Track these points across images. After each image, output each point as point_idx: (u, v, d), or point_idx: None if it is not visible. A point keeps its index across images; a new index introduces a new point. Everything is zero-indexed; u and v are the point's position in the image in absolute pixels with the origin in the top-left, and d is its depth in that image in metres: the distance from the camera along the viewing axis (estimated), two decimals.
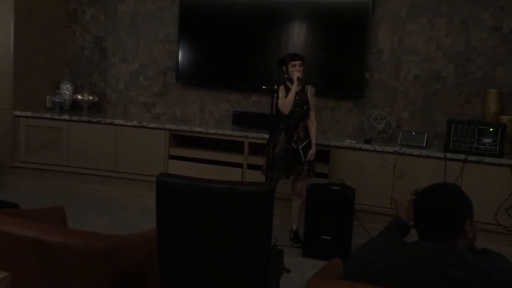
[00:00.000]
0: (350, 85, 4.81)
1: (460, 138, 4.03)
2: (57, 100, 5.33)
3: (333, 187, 3.87)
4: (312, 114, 4.01)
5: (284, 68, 3.95)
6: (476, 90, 4.47)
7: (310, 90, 4.02)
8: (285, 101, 3.86)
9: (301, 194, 4.00)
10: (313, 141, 3.96)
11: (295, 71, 3.86)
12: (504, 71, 4.40)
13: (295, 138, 3.91)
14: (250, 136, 4.54)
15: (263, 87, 4.70)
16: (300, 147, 3.90)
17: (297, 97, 3.88)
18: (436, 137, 4.54)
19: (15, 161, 5.09)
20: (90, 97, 5.41)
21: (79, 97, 5.38)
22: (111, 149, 4.93)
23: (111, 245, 1.87)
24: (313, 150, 3.94)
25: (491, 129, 3.96)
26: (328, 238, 3.73)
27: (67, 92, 5.38)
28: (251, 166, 4.54)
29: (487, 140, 3.96)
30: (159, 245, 1.94)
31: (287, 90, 3.92)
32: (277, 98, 3.56)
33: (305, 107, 3.95)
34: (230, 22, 5.03)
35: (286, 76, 3.96)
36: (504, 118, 4.16)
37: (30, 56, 5.13)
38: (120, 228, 4.10)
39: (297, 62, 3.88)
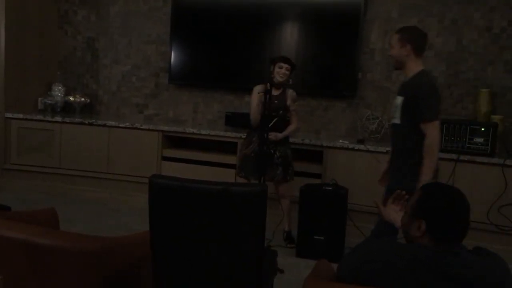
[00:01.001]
0: (342, 85, 4.82)
1: (452, 138, 4.05)
2: (49, 101, 5.30)
3: (326, 187, 3.88)
4: (294, 119, 3.96)
5: (271, 67, 3.86)
6: (467, 89, 4.50)
7: (290, 95, 3.95)
8: (251, 112, 3.84)
9: (285, 195, 3.99)
10: (285, 132, 3.90)
11: (280, 73, 3.79)
12: (495, 71, 4.43)
13: (269, 141, 3.73)
14: (243, 137, 4.52)
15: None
16: (273, 150, 3.85)
17: (276, 101, 3.78)
18: None
19: (6, 163, 5.06)
20: (82, 99, 5.39)
21: (71, 98, 5.36)
22: (104, 151, 4.91)
23: (104, 247, 1.86)
24: (279, 135, 3.84)
25: (483, 129, 3.98)
26: (322, 238, 3.74)
27: (59, 94, 5.36)
28: None
29: (479, 140, 3.99)
30: (152, 246, 1.93)
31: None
32: (269, 98, 3.47)
33: (281, 112, 3.86)
34: (223, 23, 5.03)
35: (271, 76, 3.84)
36: (496, 118, 4.19)
37: (22, 57, 5.10)
38: (112, 229, 4.08)
39: (285, 65, 3.79)
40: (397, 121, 2.85)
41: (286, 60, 3.84)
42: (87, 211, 4.58)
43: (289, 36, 4.89)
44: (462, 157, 3.97)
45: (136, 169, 4.80)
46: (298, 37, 4.87)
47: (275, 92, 3.79)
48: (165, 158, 4.81)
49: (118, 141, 4.88)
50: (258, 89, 3.84)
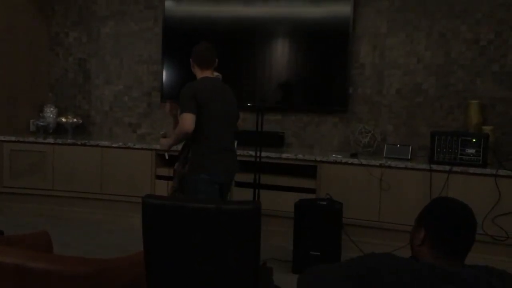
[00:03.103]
0: (334, 100, 4.85)
1: (444, 150, 4.08)
2: (41, 123, 5.29)
3: (321, 202, 3.88)
4: None
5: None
6: (457, 101, 4.54)
7: None
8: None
9: None
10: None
11: None
12: (484, 83, 4.48)
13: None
14: (236, 153, 4.53)
15: (248, 104, 4.75)
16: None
17: None
18: (420, 149, 4.59)
19: None
20: (75, 120, 5.38)
21: (63, 119, 5.35)
22: (97, 171, 4.89)
23: (98, 269, 1.85)
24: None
25: (474, 140, 4.01)
26: (318, 253, 3.72)
27: (51, 115, 5.35)
28: (238, 184, 4.53)
29: (471, 151, 4.01)
30: (146, 267, 1.92)
31: None
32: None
33: None
34: (213, 41, 5.04)
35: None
36: (487, 129, 4.23)
37: (13, 79, 5.10)
38: (107, 251, 4.05)
39: None
40: None
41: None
42: (81, 233, 4.54)
43: (280, 53, 4.93)
44: (454, 169, 3.99)
45: (130, 189, 4.77)
46: (288, 54, 4.91)
47: None
48: (159, 177, 4.80)
49: (111, 161, 4.87)
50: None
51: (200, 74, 3.32)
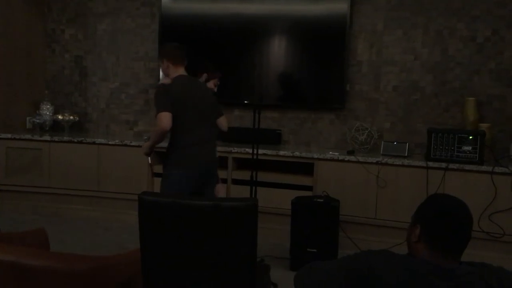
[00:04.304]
0: (331, 97, 4.85)
1: (441, 147, 4.09)
2: (37, 120, 5.27)
3: (318, 199, 3.88)
4: None
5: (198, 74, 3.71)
6: (454, 99, 4.55)
7: None
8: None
9: None
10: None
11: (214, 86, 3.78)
12: (481, 80, 4.49)
13: None
14: (233, 151, 4.54)
15: (246, 101, 4.75)
16: None
17: None
18: (417, 146, 4.60)
19: None
20: (71, 117, 5.36)
21: (60, 117, 5.33)
22: (94, 169, 4.88)
23: (95, 266, 1.85)
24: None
25: (471, 137, 4.02)
26: (315, 250, 3.73)
27: (48, 113, 5.33)
28: (235, 181, 4.53)
29: (467, 148, 4.02)
30: (143, 264, 1.92)
31: None
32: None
33: None
34: (210, 38, 5.06)
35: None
36: (483, 126, 4.24)
37: (9, 77, 5.08)
38: (103, 248, 4.05)
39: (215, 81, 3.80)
40: None
41: (215, 73, 3.85)
42: (78, 230, 4.53)
43: (277, 50, 4.92)
44: (451, 166, 4.00)
45: (127, 186, 4.77)
46: (285, 51, 4.91)
47: None
48: (157, 175, 4.78)
49: (108, 159, 4.86)
50: None
51: (174, 72, 3.28)
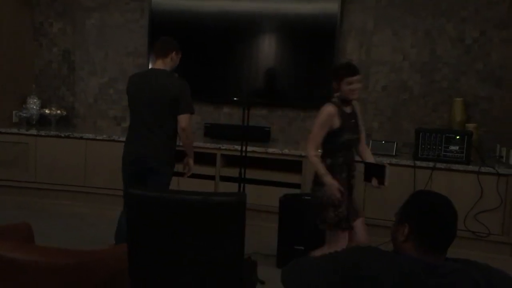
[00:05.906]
0: (320, 96, 4.84)
1: (428, 146, 4.11)
2: (24, 114, 5.21)
3: (306, 197, 3.88)
4: (363, 136, 3.24)
5: (335, 84, 3.04)
6: (442, 99, 4.59)
7: (358, 107, 3.20)
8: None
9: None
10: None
11: (354, 90, 2.99)
12: (468, 81, 4.52)
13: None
14: (222, 148, 4.53)
15: (234, 98, 4.74)
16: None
17: (353, 120, 3.11)
18: (405, 146, 4.62)
19: None
20: (58, 111, 5.31)
21: (47, 111, 5.27)
22: (81, 164, 4.83)
23: (81, 261, 1.83)
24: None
25: (458, 137, 4.06)
26: (302, 248, 3.73)
27: (34, 107, 5.27)
28: (224, 178, 4.52)
29: (454, 148, 4.06)
30: (129, 258, 1.91)
31: (343, 115, 3.01)
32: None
33: (357, 130, 3.16)
34: (200, 35, 5.04)
35: (336, 94, 3.08)
36: (470, 126, 4.28)
37: None
38: (89, 243, 4.01)
39: (355, 78, 2.97)
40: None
41: (353, 70, 3.02)
42: (64, 225, 4.49)
43: (267, 48, 4.92)
44: (438, 165, 4.03)
45: (114, 182, 4.71)
46: (275, 49, 4.90)
47: (347, 110, 3.08)
48: None
49: (95, 154, 4.82)
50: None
51: (153, 65, 3.52)
